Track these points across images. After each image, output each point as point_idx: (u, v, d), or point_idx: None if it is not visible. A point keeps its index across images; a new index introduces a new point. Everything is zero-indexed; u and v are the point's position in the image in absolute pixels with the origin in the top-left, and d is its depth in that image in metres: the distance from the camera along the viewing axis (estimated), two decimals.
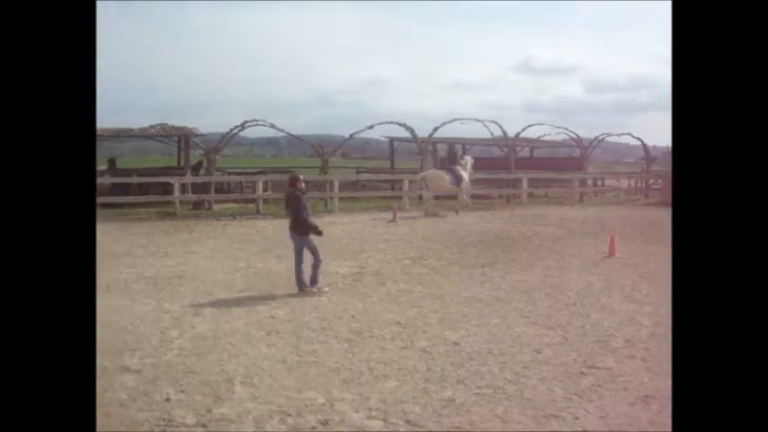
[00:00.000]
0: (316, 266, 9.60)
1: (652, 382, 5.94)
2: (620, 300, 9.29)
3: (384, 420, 5.13)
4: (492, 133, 28.57)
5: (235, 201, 25.01)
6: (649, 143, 33.62)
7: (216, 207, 22.94)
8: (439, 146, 35.31)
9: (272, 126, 24.74)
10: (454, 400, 5.52)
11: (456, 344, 7.07)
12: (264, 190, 23.23)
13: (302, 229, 9.65)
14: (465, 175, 22.47)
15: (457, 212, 21.88)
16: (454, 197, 22.84)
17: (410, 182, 24.54)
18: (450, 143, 30.49)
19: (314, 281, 9.59)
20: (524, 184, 27.07)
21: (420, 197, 23.45)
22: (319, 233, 9.74)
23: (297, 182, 10.05)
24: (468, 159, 23.86)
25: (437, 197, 22.99)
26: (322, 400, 5.51)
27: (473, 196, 25.47)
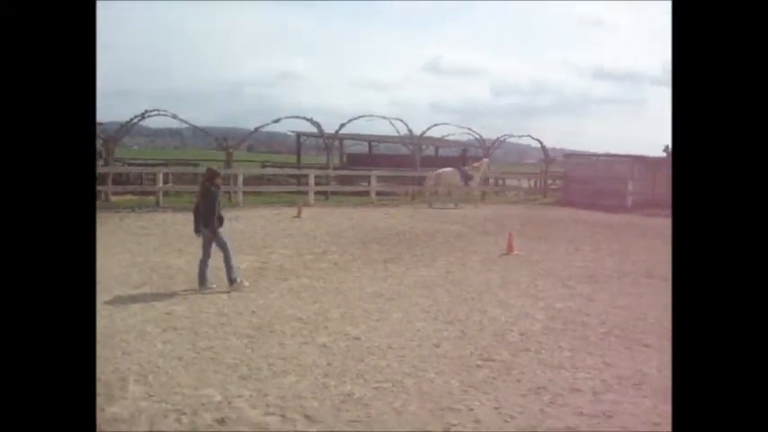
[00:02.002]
0: (229, 262, 9.38)
1: (544, 374, 6.17)
2: (516, 295, 9.60)
3: (282, 416, 5.09)
4: (398, 131, 28.89)
5: (133, 193, 24.12)
6: (548, 145, 34.89)
7: (114, 199, 22.07)
8: (346, 141, 35.40)
9: (175, 117, 24.06)
10: (353, 394, 5.54)
11: (357, 339, 7.10)
12: (165, 182, 22.57)
13: (213, 225, 9.43)
14: (476, 175, 25.35)
15: (476, 205, 24.86)
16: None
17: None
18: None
19: (233, 278, 9.39)
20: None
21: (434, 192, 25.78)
22: (221, 224, 9.58)
23: (215, 177, 9.81)
24: (485, 162, 26.77)
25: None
26: (219, 398, 5.40)
27: (378, 193, 25.74)
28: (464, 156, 26.95)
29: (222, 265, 9.41)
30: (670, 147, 32.76)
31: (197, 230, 9.67)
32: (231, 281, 9.37)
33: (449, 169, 25.85)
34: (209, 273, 9.45)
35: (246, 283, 9.47)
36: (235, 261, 9.58)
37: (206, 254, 9.48)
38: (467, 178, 25.20)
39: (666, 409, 5.42)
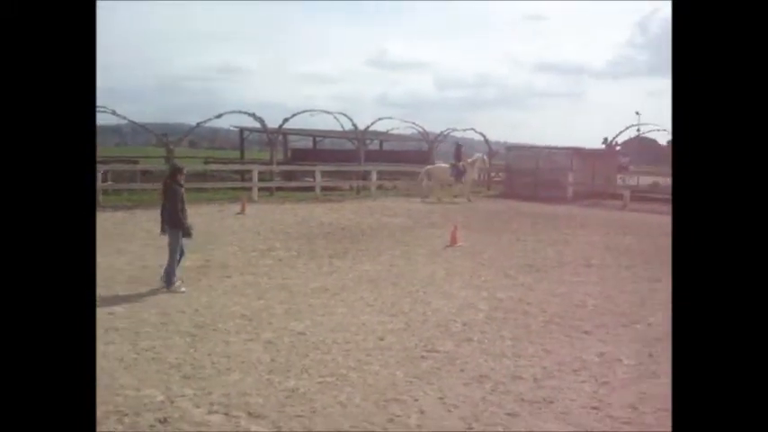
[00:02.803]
0: (174, 264, 9.21)
1: (487, 363, 6.29)
2: (460, 286, 9.73)
3: (226, 414, 5.05)
4: (342, 126, 28.84)
5: None
6: (493, 138, 35.41)
7: None
8: (291, 137, 35.16)
9: (114, 113, 23.43)
10: (298, 389, 5.54)
11: (301, 334, 7.09)
12: (104, 180, 21.98)
13: (179, 224, 9.27)
14: (470, 170, 25.43)
15: (469, 200, 25.01)
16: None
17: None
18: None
19: (171, 278, 9.21)
20: (374, 176, 27.58)
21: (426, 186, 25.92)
22: (189, 234, 9.42)
23: (178, 174, 9.60)
24: (479, 156, 26.68)
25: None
26: (161, 398, 5.32)
27: (323, 188, 25.69)
28: (458, 151, 26.98)
29: (165, 263, 9.24)
30: (608, 138, 33.69)
31: (163, 231, 9.45)
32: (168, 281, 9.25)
33: (439, 165, 26.23)
34: (159, 272, 9.26)
35: (183, 289, 9.19)
36: (182, 263, 9.42)
37: (173, 254, 9.27)
38: (459, 174, 25.33)
39: (604, 392, 5.64)
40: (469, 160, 25.96)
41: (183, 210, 9.32)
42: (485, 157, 26.87)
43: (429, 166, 26.47)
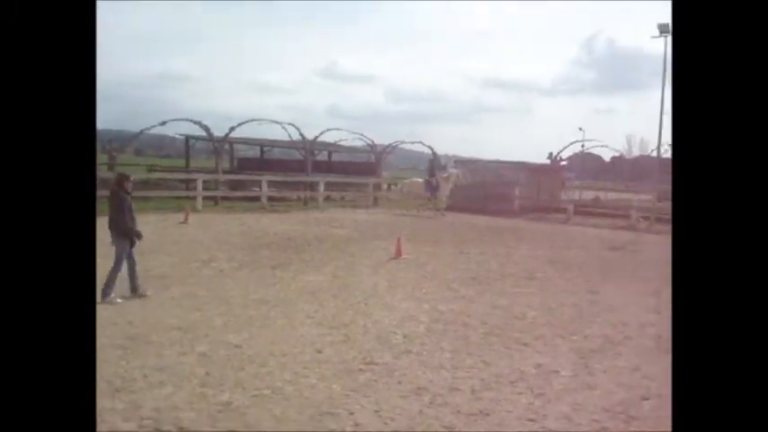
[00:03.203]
0: (116, 274, 8.95)
1: (425, 375, 6.26)
2: (401, 298, 9.71)
3: (156, 429, 4.89)
4: (290, 136, 28.69)
5: None
6: (442, 151, 35.77)
7: None
8: (239, 146, 34.74)
9: None
10: (231, 403, 5.41)
11: (238, 346, 6.94)
12: None
13: (127, 232, 9.02)
14: (445, 185, 25.90)
15: (439, 212, 25.21)
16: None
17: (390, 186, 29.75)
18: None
19: (137, 286, 9.13)
20: (321, 187, 27.47)
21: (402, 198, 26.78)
22: (139, 238, 9.29)
23: (125, 182, 9.33)
24: (453, 172, 27.15)
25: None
26: None
27: (269, 198, 25.48)
28: (431, 166, 27.20)
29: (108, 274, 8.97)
30: (553, 153, 34.35)
31: (113, 241, 9.16)
32: (136, 288, 9.12)
33: (415, 180, 26.81)
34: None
35: (119, 300, 8.91)
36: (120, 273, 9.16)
37: (118, 263, 9.01)
38: (433, 189, 25.67)
39: (540, 403, 5.67)
40: (444, 175, 26.19)
41: (132, 218, 9.12)
42: (459, 174, 27.10)
43: (405, 181, 27.41)
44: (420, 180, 26.47)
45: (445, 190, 26.19)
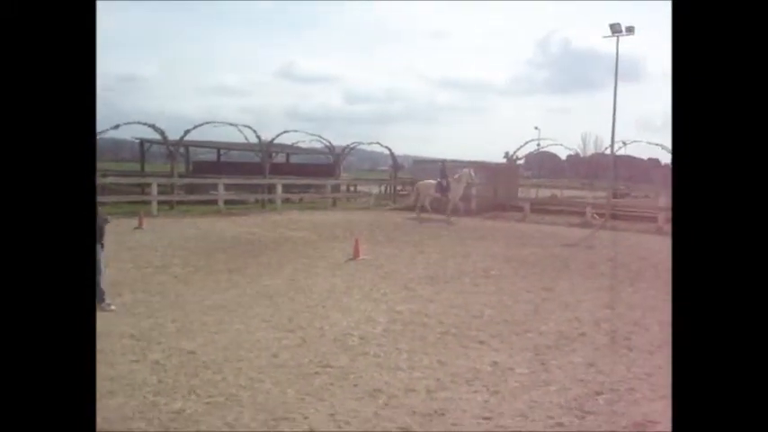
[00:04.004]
0: (100, 277, 8.67)
1: (381, 377, 6.24)
2: (359, 299, 9.69)
3: None
4: (247, 138, 28.42)
5: None
6: (400, 152, 35.87)
7: None
8: (196, 149, 34.25)
9: None
10: (184, 411, 5.31)
11: (192, 353, 6.82)
12: None
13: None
14: (456, 186, 25.11)
15: (448, 217, 24.21)
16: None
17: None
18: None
19: (103, 298, 8.75)
20: (279, 189, 27.27)
21: (419, 205, 26.01)
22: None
23: None
24: (464, 171, 25.75)
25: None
26: None
27: (227, 202, 25.20)
28: (443, 168, 26.61)
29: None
30: (509, 152, 34.72)
31: None
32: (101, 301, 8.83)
33: (427, 182, 26.24)
34: None
35: (113, 307, 8.63)
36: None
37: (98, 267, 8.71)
38: (444, 190, 25.21)
39: (495, 401, 5.70)
40: (456, 176, 25.43)
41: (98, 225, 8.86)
42: (471, 173, 26.04)
43: (418, 183, 26.92)
44: (432, 182, 25.84)
45: (457, 191, 25.39)
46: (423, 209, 25.49)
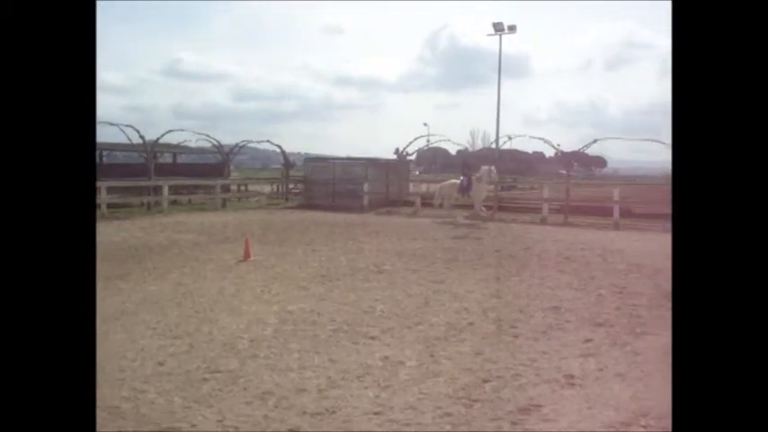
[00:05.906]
0: None
1: (271, 379, 6.15)
2: (249, 301, 9.52)
3: None
4: (129, 138, 27.31)
5: None
6: (293, 150, 35.65)
7: None
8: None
9: None
10: None
11: None
12: None
13: None
14: (477, 184, 24.27)
15: (482, 213, 24.05)
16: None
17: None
18: None
19: None
20: (165, 191, 26.38)
21: (440, 204, 25.85)
22: None
23: None
24: (484, 169, 24.53)
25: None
26: None
27: (110, 206, 24.13)
28: (464, 166, 25.99)
29: None
30: (400, 149, 35.18)
31: None
32: None
33: (451, 182, 25.75)
34: None
35: None
36: None
37: None
38: (464, 190, 24.70)
39: (386, 396, 5.75)
40: (477, 175, 24.50)
41: None
42: (492, 169, 25.00)
43: (440, 184, 26.67)
44: (456, 182, 25.28)
45: (480, 191, 24.51)
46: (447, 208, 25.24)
